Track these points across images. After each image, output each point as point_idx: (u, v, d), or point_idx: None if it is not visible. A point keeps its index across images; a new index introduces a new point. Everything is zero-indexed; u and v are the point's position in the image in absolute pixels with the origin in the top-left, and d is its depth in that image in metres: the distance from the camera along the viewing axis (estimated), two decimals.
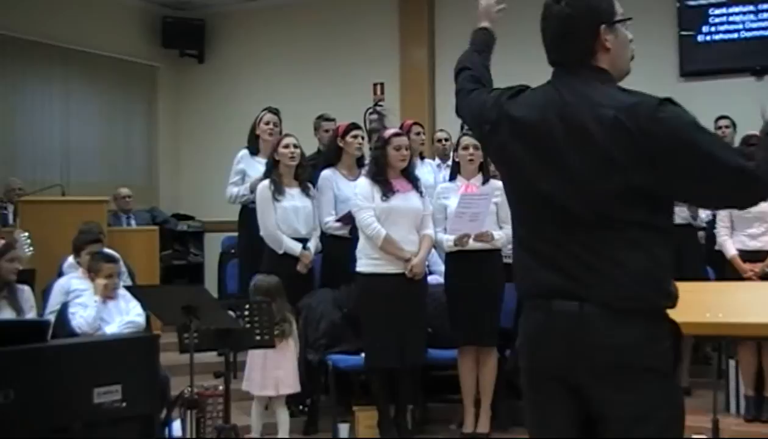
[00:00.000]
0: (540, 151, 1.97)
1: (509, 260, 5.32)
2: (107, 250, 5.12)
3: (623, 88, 1.95)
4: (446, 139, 7.24)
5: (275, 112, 6.18)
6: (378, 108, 8.88)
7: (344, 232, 5.52)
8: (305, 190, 5.54)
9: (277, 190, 5.41)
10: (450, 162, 6.64)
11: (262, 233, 5.46)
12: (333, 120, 6.83)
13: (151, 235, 7.29)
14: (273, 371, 4.78)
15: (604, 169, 1.87)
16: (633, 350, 1.88)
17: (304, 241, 5.48)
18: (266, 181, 5.49)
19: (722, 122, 6.80)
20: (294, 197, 5.48)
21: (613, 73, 2.00)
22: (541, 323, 1.98)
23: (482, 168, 5.27)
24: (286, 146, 5.49)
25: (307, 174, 5.60)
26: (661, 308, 1.92)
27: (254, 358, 4.81)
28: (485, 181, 5.25)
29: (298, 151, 5.52)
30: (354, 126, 5.75)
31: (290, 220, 5.44)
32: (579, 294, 1.90)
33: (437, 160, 6.73)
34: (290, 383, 4.83)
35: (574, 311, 1.90)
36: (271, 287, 4.89)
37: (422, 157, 6.58)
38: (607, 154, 1.87)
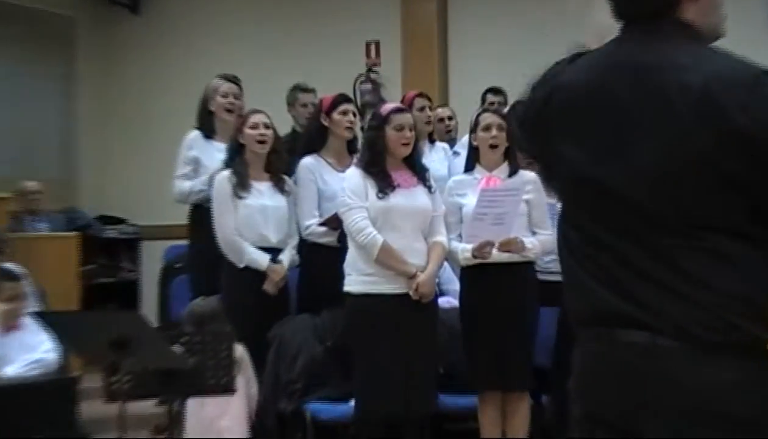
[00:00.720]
0: (599, 127, 1.99)
1: (546, 276, 5.38)
2: (7, 264, 5.10)
3: (717, 50, 1.96)
4: (449, 118, 7.25)
5: (234, 80, 6.21)
6: (372, 75, 8.91)
7: (330, 240, 5.54)
8: (278, 185, 5.58)
9: (241, 185, 5.46)
10: (457, 147, 6.70)
11: (218, 240, 5.50)
12: (313, 91, 6.86)
13: (69, 244, 7.28)
14: (215, 420, 4.79)
15: (686, 155, 1.88)
16: (721, 397, 1.88)
17: (275, 252, 5.52)
18: (226, 173, 5.52)
19: None
20: (263, 194, 5.52)
21: (702, 29, 2.01)
22: (600, 357, 2.00)
23: (508, 155, 5.31)
24: (254, 126, 5.53)
25: (281, 163, 5.64)
26: (762, 342, 1.91)
27: (191, 403, 4.84)
28: (512, 172, 5.28)
29: (269, 132, 5.56)
30: (343, 98, 5.80)
31: (256, 223, 5.48)
32: (650, 322, 1.92)
33: (443, 144, 6.75)
34: (239, 434, 4.84)
35: (643, 343, 1.92)
36: (204, 314, 4.92)
37: (432, 140, 6.61)
38: (692, 134, 1.87)
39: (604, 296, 1.97)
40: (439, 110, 7.34)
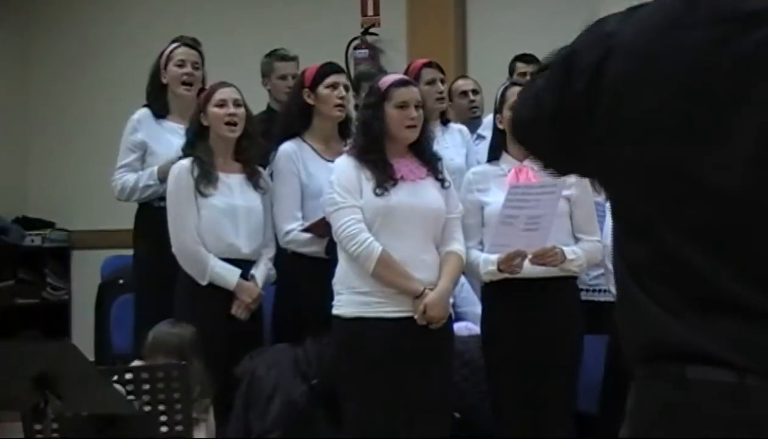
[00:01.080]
0: (689, 104, 1.98)
1: (593, 296, 5.42)
2: None
3: None
4: (474, 91, 7.25)
5: (193, 44, 6.18)
6: (369, 38, 8.91)
7: (316, 249, 5.55)
8: (252, 179, 5.59)
9: (205, 177, 5.46)
10: (481, 130, 6.69)
11: (174, 250, 5.49)
12: (294, 59, 6.85)
13: None
14: None
15: None
16: None
17: (246, 265, 5.53)
18: (185, 162, 5.52)
19: None
20: (232, 190, 5.54)
21: None
22: (666, 402, 1.99)
23: None
24: (222, 104, 5.54)
25: (255, 150, 5.64)
26: None
27: None
28: None
29: (241, 112, 5.58)
30: (331, 68, 5.79)
31: (223, 228, 5.49)
32: (735, 358, 1.92)
33: (459, 126, 6.75)
34: None
35: (728, 384, 1.92)
36: (183, 343, 4.94)
37: (445, 121, 6.61)
38: None
39: (674, 324, 1.97)
40: (460, 82, 7.32)
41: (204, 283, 5.44)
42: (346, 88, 5.79)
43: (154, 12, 9.30)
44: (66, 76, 9.84)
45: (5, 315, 8.45)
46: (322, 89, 5.67)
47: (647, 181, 2.03)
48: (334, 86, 5.68)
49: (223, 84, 5.66)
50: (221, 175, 5.51)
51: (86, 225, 9.31)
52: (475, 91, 7.29)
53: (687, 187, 1.98)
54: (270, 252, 5.64)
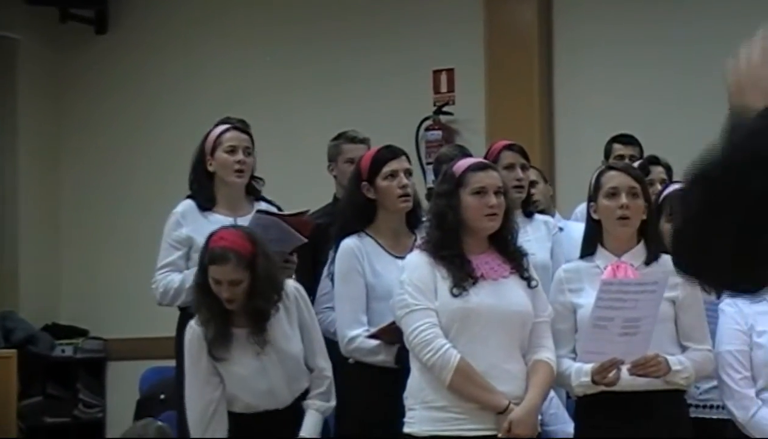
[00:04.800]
0: None
1: (704, 413, 5.38)
2: None
3: None
4: (533, 182, 7.18)
5: (243, 127, 6.27)
6: (443, 118, 8.97)
7: (385, 359, 5.52)
8: (256, 338, 5.49)
9: (218, 341, 5.46)
10: (558, 222, 6.66)
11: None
12: (365, 141, 6.83)
13: (1, 365, 7.25)
14: None
15: None
16: None
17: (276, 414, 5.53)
18: (195, 326, 5.53)
19: None
20: (247, 356, 5.53)
21: None
22: None
23: (645, 232, 5.30)
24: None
25: (267, 298, 5.52)
26: None
27: None
28: (652, 257, 5.27)
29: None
30: (389, 153, 5.78)
31: (254, 389, 5.50)
32: None
33: (545, 217, 6.66)
34: None
35: None
36: None
37: (528, 212, 6.50)
38: None
39: None
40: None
41: None
42: (409, 173, 5.76)
43: (199, 89, 9.45)
44: (98, 169, 10.00)
45: (33, 437, 8.45)
46: (380, 181, 5.65)
47: None
48: (392, 175, 5.65)
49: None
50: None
51: (123, 333, 9.37)
52: (533, 183, 7.09)
53: None
54: (324, 384, 5.62)
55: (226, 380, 5.44)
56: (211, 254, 5.39)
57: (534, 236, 6.27)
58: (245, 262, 5.36)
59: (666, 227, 5.37)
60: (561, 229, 6.45)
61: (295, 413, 5.54)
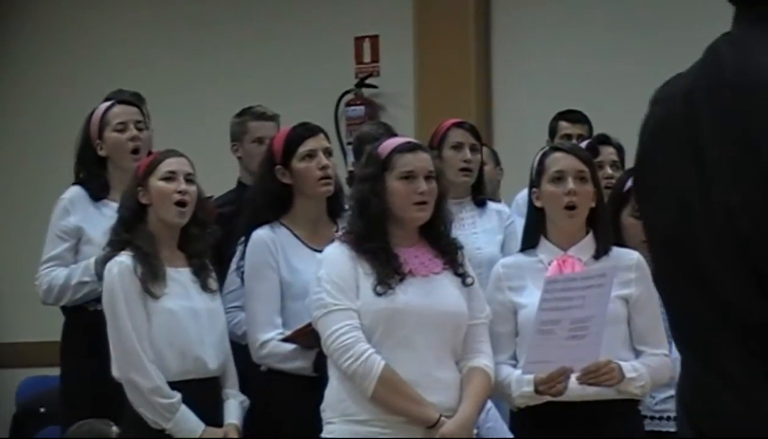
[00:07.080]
0: (685, 171, 2.16)
1: (659, 426, 5.43)
2: None
3: None
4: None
5: (135, 102, 6.30)
6: (366, 92, 9.06)
7: (302, 365, 5.54)
8: (199, 277, 5.59)
9: (152, 275, 5.47)
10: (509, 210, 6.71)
11: (119, 376, 5.47)
12: (273, 118, 6.87)
13: None
14: None
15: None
16: None
17: (209, 384, 5.54)
18: (124, 259, 5.50)
19: None
20: (188, 290, 5.57)
21: None
22: None
23: (594, 222, 5.33)
24: (170, 177, 5.60)
25: (205, 241, 5.66)
26: None
27: None
28: (602, 251, 5.29)
29: (193, 190, 5.63)
30: (305, 131, 5.78)
31: (185, 340, 5.49)
32: None
33: (499, 206, 6.75)
34: None
35: None
36: None
37: (479, 201, 6.55)
38: None
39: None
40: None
41: (167, 427, 5.40)
42: (329, 153, 5.77)
43: (89, 60, 9.51)
44: None
45: None
46: (296, 163, 5.67)
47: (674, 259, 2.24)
48: (311, 155, 5.66)
49: (171, 153, 5.68)
50: (169, 271, 5.52)
51: (4, 338, 9.35)
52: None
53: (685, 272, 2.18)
54: (235, 381, 5.65)
55: (153, 322, 5.45)
56: (157, 153, 5.66)
57: (482, 228, 6.37)
58: (194, 174, 5.62)
59: (629, 221, 5.47)
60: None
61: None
